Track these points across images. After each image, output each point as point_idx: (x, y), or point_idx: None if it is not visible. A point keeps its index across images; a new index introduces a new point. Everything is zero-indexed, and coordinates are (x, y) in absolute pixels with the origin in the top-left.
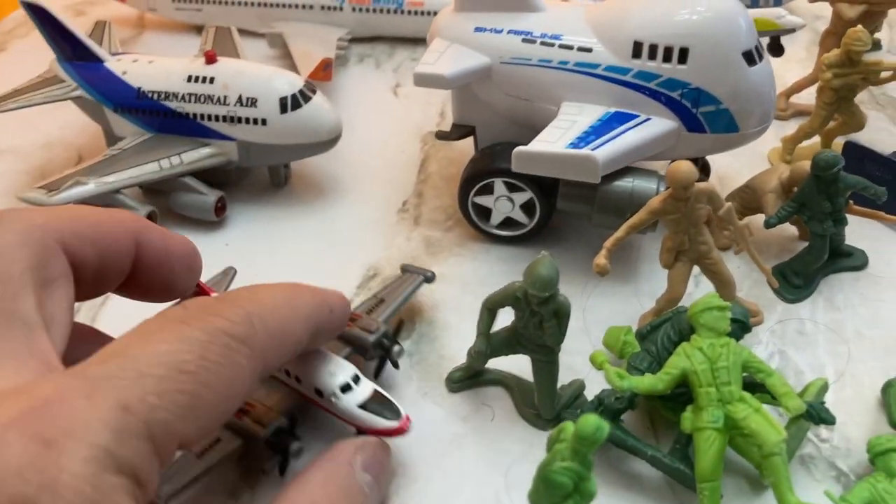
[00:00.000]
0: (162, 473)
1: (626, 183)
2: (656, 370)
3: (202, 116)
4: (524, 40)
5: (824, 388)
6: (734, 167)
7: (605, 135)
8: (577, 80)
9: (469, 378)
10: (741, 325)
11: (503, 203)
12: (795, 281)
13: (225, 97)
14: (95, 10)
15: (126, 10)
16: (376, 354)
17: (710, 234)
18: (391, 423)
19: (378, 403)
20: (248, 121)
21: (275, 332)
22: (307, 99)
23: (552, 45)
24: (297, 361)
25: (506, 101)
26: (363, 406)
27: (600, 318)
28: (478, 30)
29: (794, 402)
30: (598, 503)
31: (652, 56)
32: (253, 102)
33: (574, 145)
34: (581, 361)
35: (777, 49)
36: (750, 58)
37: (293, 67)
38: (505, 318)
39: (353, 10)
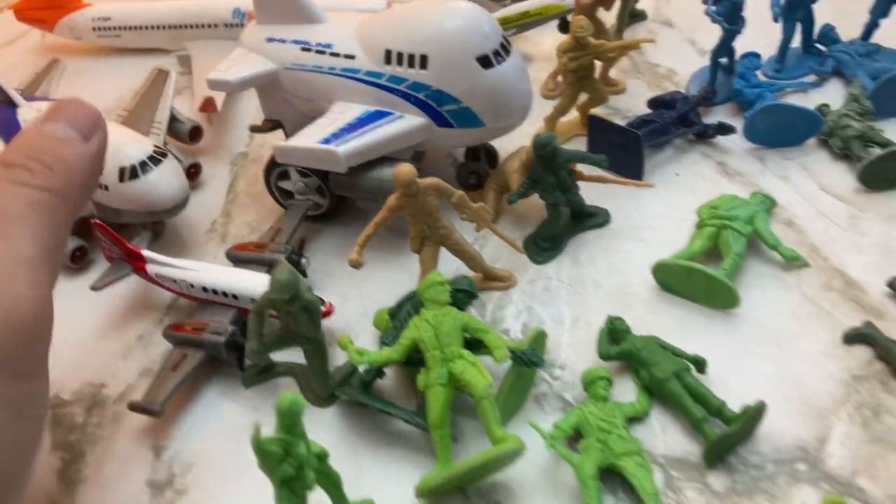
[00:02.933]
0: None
1: (377, 172)
2: None
3: None
4: (302, 49)
5: (540, 336)
6: (508, 149)
7: (357, 130)
8: (344, 83)
9: (261, 373)
10: (467, 294)
11: (301, 187)
12: (544, 245)
13: None
14: (30, 39)
15: (52, 38)
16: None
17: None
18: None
19: None
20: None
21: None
22: (147, 170)
23: (324, 52)
24: (231, 283)
25: (295, 100)
26: None
27: (378, 302)
28: (269, 40)
29: (500, 352)
30: (368, 457)
31: (399, 62)
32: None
33: (326, 140)
34: (365, 342)
35: (567, 28)
36: (485, 62)
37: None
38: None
39: None
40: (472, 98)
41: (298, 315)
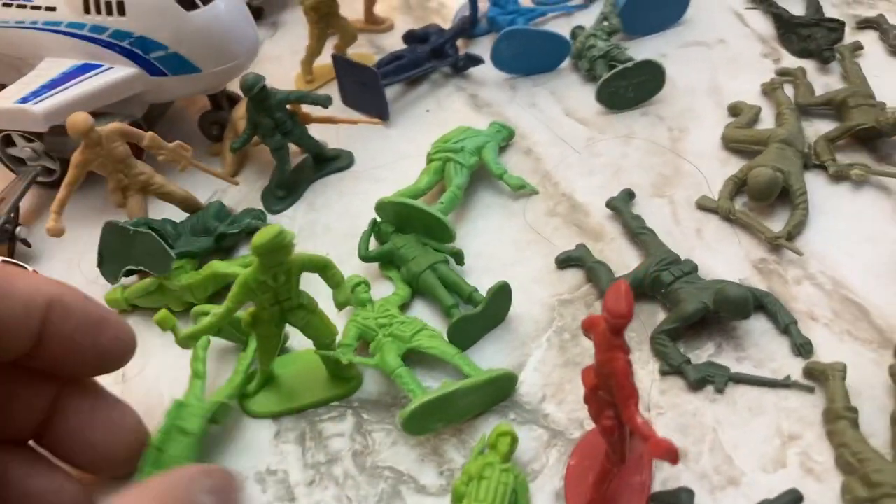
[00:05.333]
0: None
1: None
2: None
3: None
4: (3, 4)
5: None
6: None
7: (60, 86)
8: (48, 38)
9: None
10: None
11: (29, 152)
12: (279, 193)
13: None
14: None
15: None
16: (5, 238)
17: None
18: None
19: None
20: None
21: None
22: None
23: (25, 6)
24: None
25: (9, 60)
26: None
27: None
28: None
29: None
30: None
31: (98, 10)
32: None
33: (24, 99)
34: None
35: None
36: (188, 3)
37: None
38: None
39: None
40: (180, 43)
41: None
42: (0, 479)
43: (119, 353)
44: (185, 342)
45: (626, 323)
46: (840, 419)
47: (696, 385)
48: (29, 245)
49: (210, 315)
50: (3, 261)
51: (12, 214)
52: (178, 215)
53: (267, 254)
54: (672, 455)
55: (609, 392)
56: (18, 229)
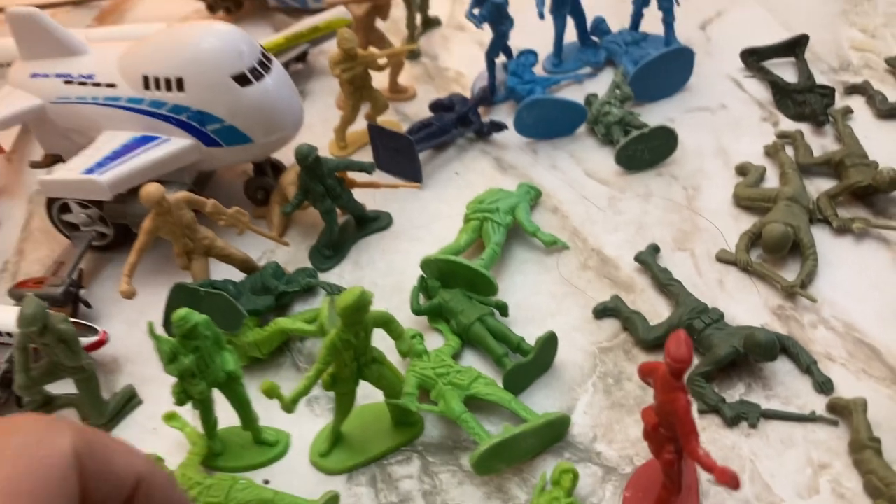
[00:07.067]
0: None
1: None
2: None
3: None
4: (65, 82)
5: None
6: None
7: (121, 157)
8: (108, 112)
9: (40, 408)
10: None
11: (84, 218)
12: (326, 252)
13: None
14: None
15: None
16: (69, 300)
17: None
18: (93, 339)
19: (79, 330)
20: None
21: None
22: None
23: (86, 83)
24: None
25: (69, 133)
26: None
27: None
28: (34, 76)
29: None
30: None
31: (157, 87)
32: None
33: (90, 170)
34: (154, 367)
35: None
36: (243, 80)
37: None
38: None
39: None
40: (235, 116)
41: (54, 346)
42: None
43: None
44: (289, 407)
45: (686, 367)
46: (865, 448)
47: (732, 422)
48: (90, 306)
49: (304, 379)
50: (74, 322)
51: (75, 277)
52: (233, 275)
53: (353, 313)
54: (735, 481)
55: (669, 429)
56: (83, 292)
